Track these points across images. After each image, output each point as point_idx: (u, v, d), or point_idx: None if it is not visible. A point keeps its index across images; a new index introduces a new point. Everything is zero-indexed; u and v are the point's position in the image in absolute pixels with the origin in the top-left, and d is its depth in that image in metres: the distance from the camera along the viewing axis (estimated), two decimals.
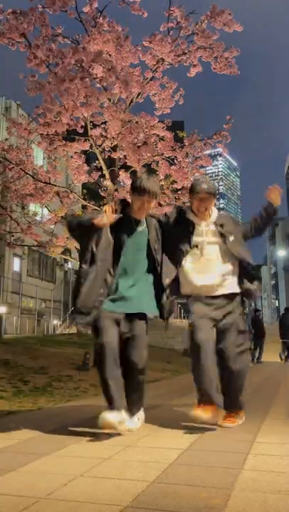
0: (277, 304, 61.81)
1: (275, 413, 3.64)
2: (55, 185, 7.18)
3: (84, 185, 9.16)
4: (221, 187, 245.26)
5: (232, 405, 3.01)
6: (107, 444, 2.52)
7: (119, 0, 6.09)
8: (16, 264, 19.78)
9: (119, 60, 5.94)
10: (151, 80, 6.41)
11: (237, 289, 3.10)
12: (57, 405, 4.17)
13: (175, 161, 6.79)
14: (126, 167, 6.82)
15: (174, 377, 7.40)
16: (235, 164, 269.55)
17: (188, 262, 3.05)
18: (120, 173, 6.91)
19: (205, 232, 3.07)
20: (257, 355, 14.13)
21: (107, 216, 2.86)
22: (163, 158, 6.72)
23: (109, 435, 2.70)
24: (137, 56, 6.11)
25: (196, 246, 3.05)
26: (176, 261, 3.06)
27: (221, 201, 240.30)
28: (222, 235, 3.06)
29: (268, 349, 14.62)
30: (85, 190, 9.81)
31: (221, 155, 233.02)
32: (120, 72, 5.80)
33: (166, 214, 3.22)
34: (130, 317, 2.85)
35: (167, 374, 7.82)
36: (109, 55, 5.93)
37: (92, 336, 2.96)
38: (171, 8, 6.04)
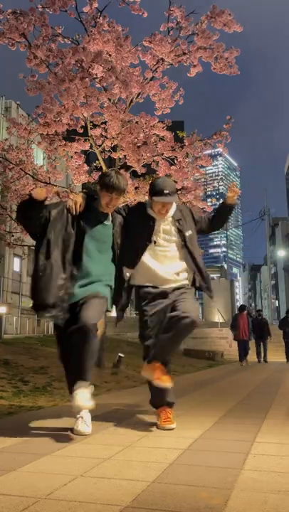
0: (277, 304, 61.79)
1: (275, 413, 3.64)
2: (55, 185, 7.19)
3: (84, 185, 9.16)
4: (221, 187, 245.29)
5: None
6: (107, 444, 2.52)
7: (119, 0, 6.08)
8: (16, 264, 19.77)
9: (119, 60, 5.94)
10: (151, 80, 6.41)
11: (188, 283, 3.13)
12: (57, 405, 4.17)
13: (175, 161, 6.79)
14: (126, 167, 6.82)
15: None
16: (235, 164, 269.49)
17: (145, 256, 3.07)
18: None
19: (163, 228, 3.10)
20: (262, 354, 14.17)
21: (77, 202, 2.95)
22: (163, 158, 6.72)
23: (109, 435, 2.70)
24: (137, 56, 6.10)
25: (154, 242, 3.07)
26: (135, 255, 3.07)
27: (221, 201, 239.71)
28: (180, 231, 3.09)
29: (268, 348, 14.63)
30: (85, 190, 9.82)
31: (221, 155, 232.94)
32: (120, 72, 5.80)
33: (128, 207, 3.27)
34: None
35: None
36: (109, 55, 5.93)
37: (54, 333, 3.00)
38: (171, 9, 6.04)
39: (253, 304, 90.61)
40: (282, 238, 60.73)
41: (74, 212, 2.96)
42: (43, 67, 5.78)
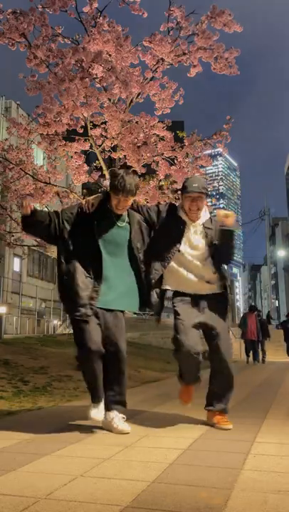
0: (277, 304, 61.78)
1: (275, 413, 3.64)
2: (55, 185, 7.18)
3: (84, 185, 9.16)
4: (221, 187, 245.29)
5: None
6: (107, 444, 2.52)
7: (119, 0, 6.08)
8: (16, 264, 19.78)
9: (119, 60, 5.94)
10: (151, 80, 6.40)
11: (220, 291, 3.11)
12: (57, 405, 4.17)
13: (175, 161, 6.78)
14: (126, 167, 6.81)
15: (174, 377, 7.39)
16: (235, 164, 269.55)
17: (173, 262, 3.04)
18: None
19: (194, 232, 3.07)
20: (262, 354, 14.18)
21: (89, 201, 2.97)
22: (163, 158, 6.72)
23: (109, 435, 2.70)
24: (137, 56, 6.10)
25: (179, 250, 3.03)
26: (164, 259, 3.04)
27: (221, 201, 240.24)
28: (208, 238, 3.06)
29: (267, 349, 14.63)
30: (84, 190, 9.81)
31: (221, 155, 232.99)
32: (120, 72, 5.80)
33: (158, 208, 3.22)
34: (110, 311, 2.91)
35: (167, 374, 7.81)
36: (109, 55, 5.93)
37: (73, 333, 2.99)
38: (171, 9, 6.03)
39: (252, 304, 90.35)
40: (282, 238, 60.72)
41: (86, 211, 2.94)
42: (43, 67, 5.77)
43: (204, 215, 3.12)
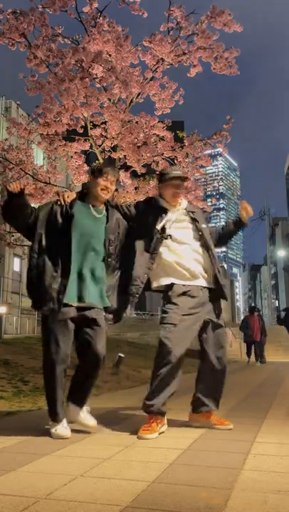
0: (277, 304, 61.77)
1: (275, 413, 3.64)
2: (55, 185, 7.18)
3: (84, 185, 9.15)
4: (221, 187, 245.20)
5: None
6: (107, 444, 2.52)
7: (119, 0, 6.09)
8: (16, 264, 19.77)
9: (119, 60, 5.94)
10: (151, 80, 6.40)
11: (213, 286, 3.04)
12: None
13: (175, 161, 6.78)
14: (126, 167, 6.82)
15: None
16: (235, 164, 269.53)
17: (163, 253, 2.99)
18: (120, 173, 6.90)
19: (177, 215, 3.07)
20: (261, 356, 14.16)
21: (64, 193, 2.98)
22: (163, 158, 6.72)
23: (109, 435, 2.70)
24: (137, 56, 6.10)
25: (170, 236, 3.00)
26: (152, 248, 2.99)
27: (221, 201, 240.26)
28: (194, 220, 3.07)
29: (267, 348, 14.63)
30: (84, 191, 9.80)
31: (221, 155, 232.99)
32: (120, 72, 5.80)
33: (137, 203, 3.28)
34: (88, 309, 2.84)
35: None
36: (109, 55, 5.93)
37: (41, 333, 2.91)
38: (171, 9, 6.03)
39: (252, 304, 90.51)
40: (282, 238, 60.72)
41: (62, 202, 2.93)
42: (43, 67, 5.78)
43: (183, 202, 3.18)
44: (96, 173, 3.01)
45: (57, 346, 2.74)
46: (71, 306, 2.78)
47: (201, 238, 3.03)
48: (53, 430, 2.71)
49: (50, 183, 7.07)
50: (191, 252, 3.00)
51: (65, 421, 2.77)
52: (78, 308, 2.81)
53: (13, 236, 8.44)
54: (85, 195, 3.05)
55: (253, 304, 19.61)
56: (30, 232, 2.93)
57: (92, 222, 2.95)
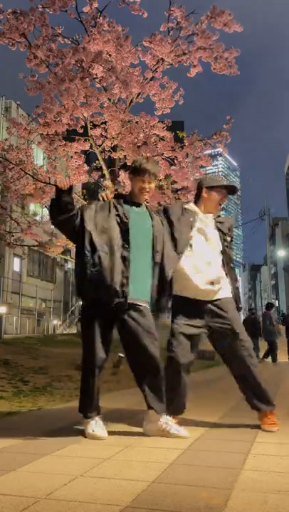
0: (277, 304, 61.80)
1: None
2: (55, 185, 7.18)
3: (84, 185, 9.16)
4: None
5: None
6: (107, 444, 2.52)
7: (119, 0, 6.09)
8: (16, 264, 19.78)
9: (119, 60, 5.94)
10: (151, 80, 6.41)
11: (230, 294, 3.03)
12: (57, 405, 4.17)
13: (175, 161, 6.79)
14: (126, 167, 6.82)
15: None
16: (235, 164, 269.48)
17: (183, 260, 2.93)
18: (120, 173, 6.91)
19: (207, 221, 3.07)
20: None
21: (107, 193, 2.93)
22: (163, 158, 6.72)
23: (109, 435, 2.70)
24: (137, 56, 6.10)
25: (190, 245, 2.96)
26: (180, 250, 2.95)
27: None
28: (220, 231, 3.07)
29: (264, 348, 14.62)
30: (84, 190, 9.81)
31: (221, 155, 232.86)
32: (120, 72, 5.80)
33: (166, 208, 3.19)
34: (138, 306, 2.74)
35: None
36: (109, 55, 5.93)
37: (81, 332, 2.88)
38: (171, 9, 6.04)
39: (253, 304, 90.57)
40: (282, 238, 60.74)
41: (106, 198, 2.87)
42: (43, 67, 5.78)
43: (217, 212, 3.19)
44: (134, 171, 2.92)
45: (97, 344, 2.73)
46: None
47: (223, 252, 3.04)
48: (90, 431, 2.66)
49: (50, 183, 7.08)
50: (215, 256, 3.01)
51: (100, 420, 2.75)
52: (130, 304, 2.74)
53: (13, 236, 8.45)
54: (122, 196, 3.03)
55: (252, 304, 19.64)
56: (75, 233, 2.82)
57: (137, 217, 2.87)
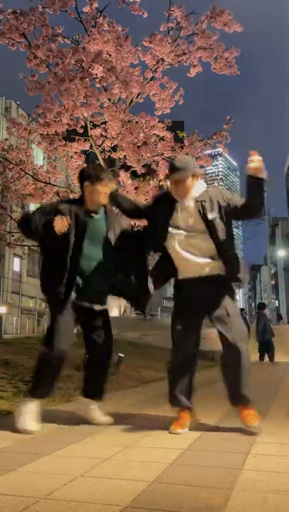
0: (277, 304, 61.78)
1: (275, 413, 3.63)
2: (55, 185, 7.19)
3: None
4: (220, 187, 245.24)
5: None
6: (107, 444, 2.52)
7: (119, 0, 6.09)
8: (16, 264, 19.79)
9: (119, 60, 5.94)
10: (151, 80, 6.41)
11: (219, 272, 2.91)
12: (57, 405, 4.17)
13: None
14: (126, 167, 6.82)
15: None
16: (235, 164, 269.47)
17: (173, 245, 2.91)
18: (120, 173, 6.91)
19: (184, 208, 2.93)
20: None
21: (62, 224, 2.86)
22: (163, 158, 6.72)
23: (109, 435, 2.70)
24: (137, 56, 6.10)
25: (177, 227, 2.91)
26: (161, 243, 2.95)
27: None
28: (203, 214, 2.88)
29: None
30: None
31: (221, 155, 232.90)
32: (120, 72, 5.80)
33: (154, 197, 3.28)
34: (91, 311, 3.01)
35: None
36: (109, 55, 5.93)
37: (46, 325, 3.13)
38: (171, 9, 6.03)
39: (253, 304, 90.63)
40: (282, 238, 60.75)
41: (64, 230, 2.84)
42: (43, 67, 5.78)
43: (198, 189, 2.96)
44: (93, 179, 3.01)
45: (59, 335, 2.96)
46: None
47: (209, 232, 2.86)
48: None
49: (50, 183, 7.07)
50: (197, 247, 2.89)
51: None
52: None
53: (13, 236, 8.44)
54: (74, 202, 3.12)
55: (252, 304, 19.68)
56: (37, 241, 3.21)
57: (90, 224, 3.00)
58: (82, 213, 2.97)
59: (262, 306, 13.56)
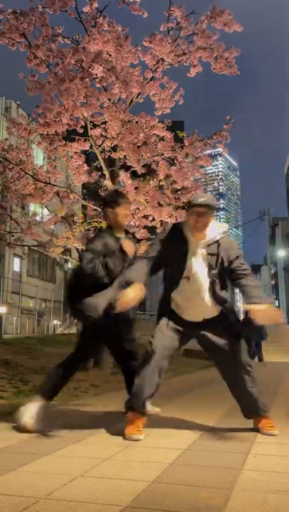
0: (277, 304, 61.78)
1: (275, 413, 3.63)
2: (55, 185, 7.19)
3: (84, 185, 9.16)
4: (221, 187, 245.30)
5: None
6: (107, 444, 2.52)
7: (119, 0, 6.09)
8: (16, 264, 19.77)
9: (119, 60, 5.94)
10: (151, 80, 6.41)
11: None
12: (57, 405, 4.17)
13: (175, 161, 6.78)
14: (126, 167, 6.82)
15: (174, 377, 7.40)
16: (235, 164, 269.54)
17: (175, 291, 2.87)
18: (120, 173, 6.91)
19: (195, 254, 2.84)
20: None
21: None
22: (163, 159, 6.72)
23: (109, 435, 2.70)
24: (137, 56, 6.10)
25: (188, 278, 2.83)
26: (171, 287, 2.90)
27: (221, 201, 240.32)
28: (210, 267, 2.83)
29: (267, 349, 14.63)
30: (84, 190, 9.82)
31: (221, 155, 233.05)
32: (120, 72, 5.80)
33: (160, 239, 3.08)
34: None
35: (167, 374, 7.84)
36: (109, 55, 5.93)
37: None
38: (171, 9, 6.03)
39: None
40: (282, 238, 60.73)
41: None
42: (43, 67, 5.78)
43: (211, 233, 2.86)
44: (113, 204, 3.24)
45: None
46: None
47: (210, 288, 2.83)
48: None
49: (50, 183, 7.07)
50: (201, 297, 2.85)
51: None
52: None
53: (13, 236, 8.44)
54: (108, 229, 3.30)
55: None
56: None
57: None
58: (113, 241, 3.15)
59: None
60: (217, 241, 2.87)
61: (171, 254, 2.91)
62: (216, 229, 2.90)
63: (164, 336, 2.86)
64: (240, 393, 2.90)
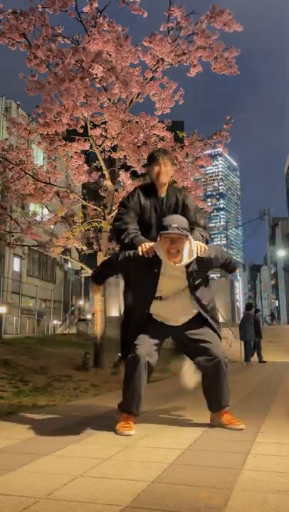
0: (277, 304, 61.71)
1: (275, 413, 3.63)
2: (55, 185, 7.19)
3: (84, 185, 9.16)
4: (221, 187, 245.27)
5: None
6: (107, 444, 2.52)
7: (119, 0, 6.09)
8: (16, 264, 19.77)
9: (119, 60, 5.94)
10: (151, 80, 6.41)
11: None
12: (57, 405, 4.17)
13: (175, 161, 6.79)
14: (126, 167, 6.82)
15: (174, 377, 7.40)
16: (235, 164, 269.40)
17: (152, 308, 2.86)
18: (120, 173, 6.91)
19: (172, 274, 2.74)
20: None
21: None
22: None
23: (109, 435, 2.70)
24: (137, 56, 6.11)
25: (161, 297, 2.83)
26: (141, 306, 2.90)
27: (221, 201, 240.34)
28: (189, 276, 2.76)
29: (267, 349, 14.63)
30: (84, 190, 9.82)
31: (221, 155, 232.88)
32: (120, 72, 5.80)
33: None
34: None
35: (167, 374, 7.82)
36: (109, 55, 5.93)
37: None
38: (171, 8, 6.04)
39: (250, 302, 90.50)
40: (282, 238, 60.69)
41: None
42: (43, 67, 5.78)
43: (186, 252, 2.71)
44: (149, 160, 3.12)
45: None
46: None
47: (191, 295, 2.82)
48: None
49: (50, 183, 7.08)
50: (178, 309, 2.86)
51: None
52: None
53: (13, 236, 8.45)
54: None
55: (248, 302, 19.75)
56: None
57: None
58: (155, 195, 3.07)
59: (248, 307, 13.63)
60: (195, 260, 2.76)
61: (139, 273, 2.82)
62: (187, 248, 2.72)
63: (145, 336, 2.86)
64: (210, 384, 2.94)
